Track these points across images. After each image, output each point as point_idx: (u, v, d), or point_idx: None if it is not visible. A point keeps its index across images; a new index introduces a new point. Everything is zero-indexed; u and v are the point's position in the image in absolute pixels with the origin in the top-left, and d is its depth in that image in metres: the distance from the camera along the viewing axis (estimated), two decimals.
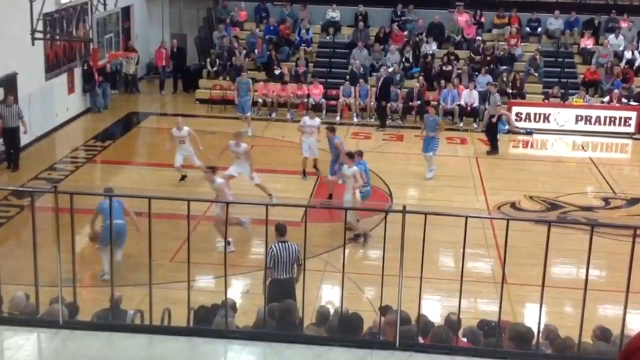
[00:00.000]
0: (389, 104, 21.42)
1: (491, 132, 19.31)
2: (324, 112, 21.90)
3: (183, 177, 16.08)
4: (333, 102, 22.07)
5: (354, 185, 13.32)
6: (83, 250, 12.49)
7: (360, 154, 14.31)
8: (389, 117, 21.59)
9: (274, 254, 9.41)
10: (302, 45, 24.03)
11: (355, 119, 21.75)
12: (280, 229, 9.64)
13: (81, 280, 10.51)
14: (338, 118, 21.76)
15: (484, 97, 21.62)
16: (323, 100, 22.08)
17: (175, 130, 15.95)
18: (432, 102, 21.87)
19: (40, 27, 17.07)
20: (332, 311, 7.99)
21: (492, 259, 12.87)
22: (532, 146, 20.75)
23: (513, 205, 15.57)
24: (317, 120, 16.87)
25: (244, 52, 23.66)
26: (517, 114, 21.46)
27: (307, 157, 16.45)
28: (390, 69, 22.48)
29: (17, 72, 17.61)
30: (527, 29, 24.61)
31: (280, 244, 9.54)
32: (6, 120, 16.59)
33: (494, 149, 19.19)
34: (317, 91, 22.19)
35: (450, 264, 13.02)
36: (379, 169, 17.54)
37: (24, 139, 17.75)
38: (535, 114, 21.51)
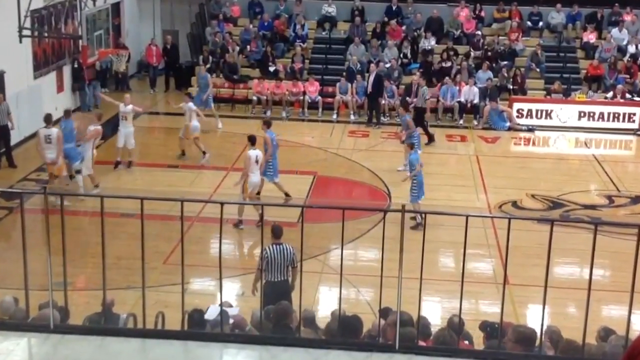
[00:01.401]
0: (383, 101, 21.41)
1: (420, 124, 19.23)
2: (320, 109, 21.94)
3: (130, 164, 16.86)
4: (329, 100, 22.09)
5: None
6: (73, 253, 12.46)
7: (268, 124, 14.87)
8: (385, 114, 21.60)
9: (268, 256, 9.45)
10: (298, 41, 24.04)
11: (352, 117, 21.76)
12: (276, 231, 9.68)
13: (72, 284, 10.51)
14: (335, 116, 21.78)
15: (484, 93, 21.66)
16: (319, 97, 22.09)
17: (122, 105, 17.01)
18: (431, 99, 21.94)
19: (28, 24, 17.04)
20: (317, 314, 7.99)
21: (494, 259, 12.90)
22: (533, 143, 20.78)
23: (515, 204, 15.60)
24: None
25: (238, 48, 23.68)
26: (518, 111, 21.50)
27: None
28: (387, 65, 22.51)
29: (5, 71, 17.61)
30: (529, 23, 24.64)
31: (275, 246, 9.58)
32: None
33: (431, 139, 19.39)
34: (313, 88, 22.21)
35: (451, 265, 13.04)
36: (376, 167, 17.58)
37: (13, 138, 17.76)
38: (537, 111, 21.54)
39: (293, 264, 9.61)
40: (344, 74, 22.50)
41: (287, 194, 14.86)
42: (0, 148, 17.07)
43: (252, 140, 14.10)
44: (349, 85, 21.95)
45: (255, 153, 13.94)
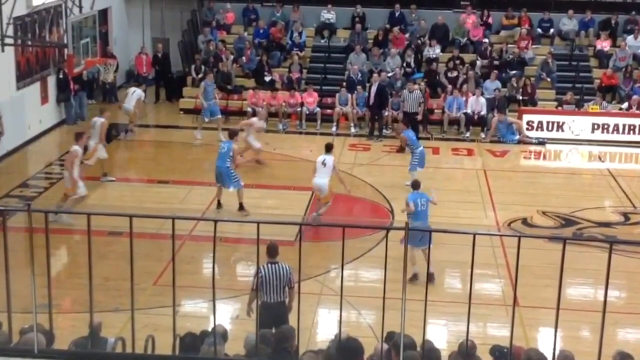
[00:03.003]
0: (386, 113, 21.48)
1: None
2: (318, 121, 22.00)
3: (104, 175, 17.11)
4: (329, 111, 22.15)
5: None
6: (59, 273, 12.49)
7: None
8: (388, 126, 21.65)
9: (262, 276, 9.46)
10: (295, 49, 24.14)
11: (352, 129, 21.83)
12: (271, 250, 9.69)
13: (58, 306, 10.51)
14: (334, 128, 21.84)
15: (492, 104, 21.74)
16: (318, 109, 22.16)
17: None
18: (436, 110, 22.03)
19: (10, 31, 17.10)
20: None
21: (503, 279, 12.89)
22: (544, 157, 20.84)
23: (524, 221, 15.62)
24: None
25: (232, 57, 23.77)
26: (528, 123, 21.56)
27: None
28: (390, 75, 22.58)
29: None
30: (539, 30, 24.77)
31: (270, 265, 9.59)
32: None
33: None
34: (311, 99, 22.28)
35: (457, 286, 13.04)
36: (378, 182, 17.62)
37: None
38: (548, 123, 21.61)
39: (290, 284, 9.61)
40: (344, 84, 22.58)
41: (242, 206, 15.12)
42: None
43: (328, 148, 15.35)
44: (349, 96, 22.02)
45: (324, 158, 15.05)
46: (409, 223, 11.43)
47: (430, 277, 11.48)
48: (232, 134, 15.85)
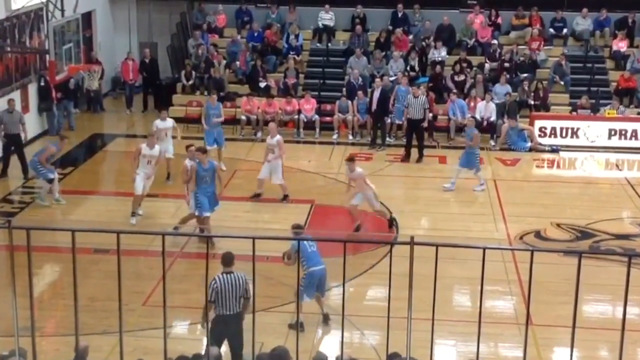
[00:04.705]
0: (388, 120, 21.52)
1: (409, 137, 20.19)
2: (317, 130, 22.05)
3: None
4: (328, 119, 22.20)
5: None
6: (42, 294, 12.49)
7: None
8: (391, 134, 21.69)
9: (217, 287, 9.54)
10: (291, 53, 24.20)
11: (352, 138, 21.87)
12: (226, 259, 9.80)
13: (41, 329, 10.52)
14: (335, 136, 21.89)
15: (502, 110, 21.78)
16: (316, 116, 22.20)
17: (158, 121, 17.73)
18: (441, 116, 22.06)
19: None
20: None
21: (515, 296, 12.90)
22: (558, 166, 20.86)
23: (538, 234, 15.64)
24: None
25: (224, 62, 23.83)
26: (540, 129, 21.61)
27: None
28: (393, 79, 22.62)
29: None
30: (551, 30, 24.84)
31: (224, 275, 9.65)
32: (8, 127, 18.14)
33: (407, 156, 20.18)
34: (309, 106, 22.33)
35: (467, 303, 13.05)
36: (382, 194, 17.60)
37: None
38: (561, 129, 21.65)
39: (246, 294, 9.69)
40: (344, 89, 22.64)
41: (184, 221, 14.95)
42: (7, 157, 18.31)
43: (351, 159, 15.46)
44: (350, 102, 22.07)
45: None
46: (306, 270, 11.34)
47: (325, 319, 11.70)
48: None
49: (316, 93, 22.98)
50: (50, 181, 16.52)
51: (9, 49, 19.66)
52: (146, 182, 15.68)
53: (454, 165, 18.42)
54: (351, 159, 15.47)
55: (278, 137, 16.94)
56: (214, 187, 14.49)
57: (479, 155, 18.20)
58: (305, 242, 11.37)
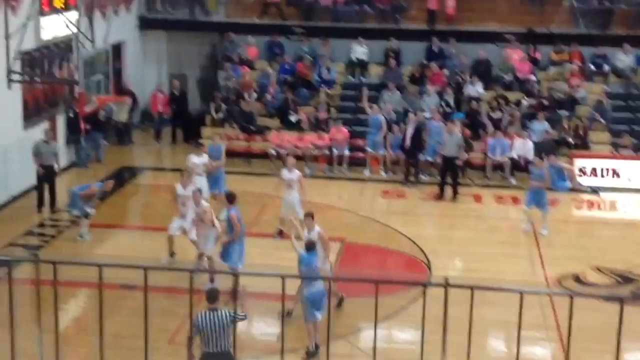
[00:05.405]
0: (422, 157, 21.48)
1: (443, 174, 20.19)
2: (345, 165, 21.99)
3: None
4: (360, 154, 22.22)
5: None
6: (66, 329, 12.56)
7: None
8: (425, 171, 21.66)
9: (198, 324, 9.54)
10: (323, 86, 24.32)
11: (384, 174, 21.86)
12: (210, 295, 9.79)
13: None
14: (367, 172, 21.89)
15: (540, 148, 21.67)
16: (347, 151, 22.17)
17: (194, 157, 17.46)
18: (478, 154, 21.99)
19: (17, 67, 17.49)
20: None
21: (553, 343, 12.79)
22: (599, 207, 20.70)
23: (577, 278, 15.50)
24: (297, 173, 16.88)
25: (255, 95, 23.98)
26: (580, 169, 21.47)
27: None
28: (427, 115, 22.60)
29: None
30: (592, 66, 24.77)
31: (207, 313, 9.64)
32: (44, 158, 18.31)
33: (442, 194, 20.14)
34: (340, 135, 22.24)
35: (502, 349, 12.93)
36: (415, 234, 17.59)
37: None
38: (602, 169, 21.50)
39: (234, 326, 9.58)
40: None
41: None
42: (42, 189, 18.37)
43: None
44: (382, 137, 22.06)
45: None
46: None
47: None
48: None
49: (348, 127, 22.98)
50: (87, 216, 16.67)
51: (38, 79, 19.97)
52: (183, 222, 15.40)
53: (522, 206, 18.27)
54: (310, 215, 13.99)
55: (297, 172, 16.86)
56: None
57: (548, 196, 17.98)
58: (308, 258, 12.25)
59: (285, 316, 11.31)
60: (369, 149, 22.06)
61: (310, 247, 12.33)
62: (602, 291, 14.85)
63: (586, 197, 20.95)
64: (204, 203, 14.69)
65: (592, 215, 20.50)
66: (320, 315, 11.88)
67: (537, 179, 17.84)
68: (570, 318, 5.57)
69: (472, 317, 5.59)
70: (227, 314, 9.64)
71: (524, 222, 17.91)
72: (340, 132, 22.30)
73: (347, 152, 22.17)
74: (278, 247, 16.10)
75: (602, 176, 21.47)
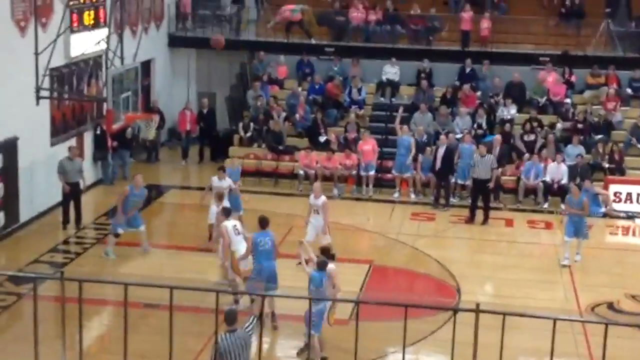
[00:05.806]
0: (453, 180, 21.41)
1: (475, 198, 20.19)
2: (370, 185, 21.97)
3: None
4: (389, 176, 22.21)
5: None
6: (89, 347, 12.61)
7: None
8: (455, 194, 21.59)
9: (219, 347, 9.48)
10: (353, 107, 24.37)
11: (413, 196, 21.81)
12: (228, 317, 9.75)
13: None
14: (397, 194, 21.86)
15: (574, 172, 21.53)
16: (372, 172, 22.03)
17: (215, 179, 17.79)
18: (511, 178, 21.90)
19: (46, 83, 17.68)
20: None
21: None
22: (634, 233, 20.54)
23: (611, 306, 15.35)
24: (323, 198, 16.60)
25: (284, 114, 24.06)
26: (615, 194, 21.31)
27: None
28: (459, 137, 22.56)
29: (18, 137, 18.16)
30: (628, 90, 24.63)
31: (227, 335, 9.61)
32: (69, 175, 18.58)
33: (472, 218, 20.06)
34: (368, 147, 22.13)
35: None
36: (444, 257, 17.52)
37: (23, 215, 18.30)
38: (638, 195, 21.34)
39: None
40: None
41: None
42: (67, 206, 18.64)
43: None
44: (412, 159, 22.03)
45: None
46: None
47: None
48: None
49: (379, 149, 22.95)
50: (117, 236, 16.79)
51: (66, 95, 20.17)
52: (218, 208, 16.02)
53: (563, 238, 17.70)
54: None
55: (323, 198, 16.71)
56: None
57: (587, 223, 17.72)
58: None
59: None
60: (394, 172, 22.04)
61: (322, 266, 12.38)
62: (637, 319, 14.67)
63: (621, 223, 20.80)
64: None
65: (626, 242, 20.33)
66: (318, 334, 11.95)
67: (575, 206, 17.53)
68: (605, 347, 5.51)
69: (504, 343, 5.54)
70: (244, 333, 9.72)
71: (562, 256, 17.36)
72: (368, 144, 22.24)
73: (372, 172, 22.06)
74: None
75: (638, 202, 21.30)
